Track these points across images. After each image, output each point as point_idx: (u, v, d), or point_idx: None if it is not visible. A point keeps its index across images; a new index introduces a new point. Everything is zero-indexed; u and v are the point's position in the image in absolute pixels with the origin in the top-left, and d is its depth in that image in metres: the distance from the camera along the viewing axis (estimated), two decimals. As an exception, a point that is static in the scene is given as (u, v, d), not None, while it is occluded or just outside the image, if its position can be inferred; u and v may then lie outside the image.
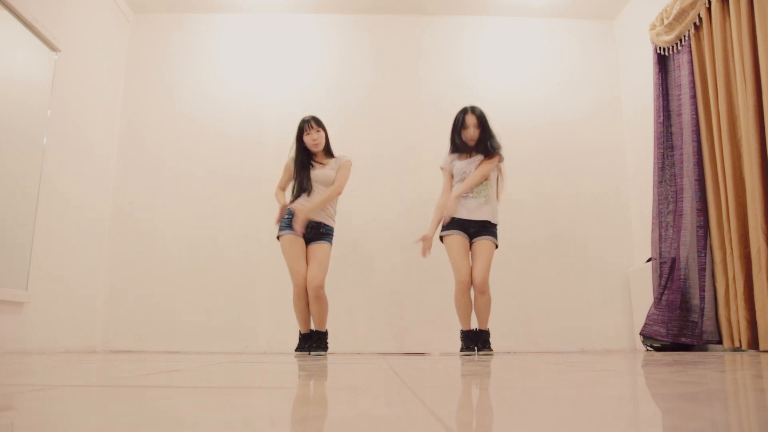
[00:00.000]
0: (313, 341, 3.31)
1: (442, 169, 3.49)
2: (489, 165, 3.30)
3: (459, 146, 3.38)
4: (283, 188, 3.53)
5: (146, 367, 1.83)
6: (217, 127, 4.55)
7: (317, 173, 3.37)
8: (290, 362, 2.34)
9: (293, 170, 3.43)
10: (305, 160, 3.41)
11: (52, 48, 3.56)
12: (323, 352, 3.28)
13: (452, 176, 3.41)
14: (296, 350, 3.35)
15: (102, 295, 4.24)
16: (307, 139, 3.39)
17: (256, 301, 4.26)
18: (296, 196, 3.36)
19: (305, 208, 3.27)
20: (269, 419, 0.76)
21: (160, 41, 4.73)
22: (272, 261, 4.05)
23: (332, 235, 3.40)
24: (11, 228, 3.21)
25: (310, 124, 3.39)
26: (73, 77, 3.85)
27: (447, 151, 3.48)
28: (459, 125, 3.37)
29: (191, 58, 4.70)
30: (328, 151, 3.48)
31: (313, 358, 2.77)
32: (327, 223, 3.36)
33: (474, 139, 3.35)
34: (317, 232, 3.32)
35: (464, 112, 3.37)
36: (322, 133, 3.42)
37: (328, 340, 3.36)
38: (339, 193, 3.40)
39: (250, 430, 0.65)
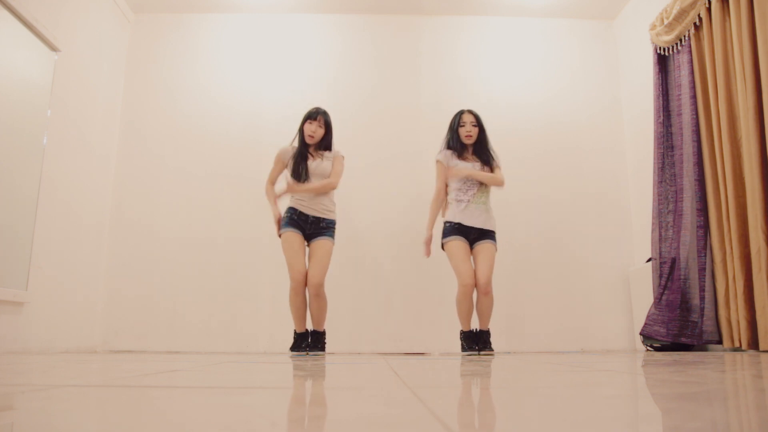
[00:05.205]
0: (310, 341, 3.31)
1: (438, 162, 3.41)
2: (497, 178, 3.31)
3: (456, 146, 3.37)
4: (273, 182, 3.45)
5: (146, 367, 1.83)
6: (216, 127, 4.55)
7: (313, 165, 3.32)
8: (290, 362, 2.34)
9: (289, 159, 3.38)
10: (303, 150, 3.37)
11: (52, 48, 3.56)
12: (321, 352, 3.28)
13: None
14: (291, 349, 3.31)
15: (102, 294, 4.23)
16: (306, 127, 3.35)
17: (256, 301, 4.25)
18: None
19: (299, 187, 3.26)
20: (269, 419, 0.76)
21: (160, 41, 4.73)
22: (272, 261, 4.05)
23: (334, 229, 3.35)
24: (11, 228, 3.21)
25: (315, 117, 3.35)
26: (73, 77, 3.85)
27: (441, 146, 3.46)
28: (456, 124, 3.39)
29: (191, 58, 4.70)
30: (325, 147, 3.42)
31: (312, 358, 2.77)
32: (327, 217, 3.32)
33: (472, 136, 3.35)
34: (318, 227, 3.29)
35: (461, 111, 3.41)
36: (322, 131, 3.36)
37: (325, 340, 3.35)
38: (334, 187, 3.36)
39: (250, 430, 0.65)
